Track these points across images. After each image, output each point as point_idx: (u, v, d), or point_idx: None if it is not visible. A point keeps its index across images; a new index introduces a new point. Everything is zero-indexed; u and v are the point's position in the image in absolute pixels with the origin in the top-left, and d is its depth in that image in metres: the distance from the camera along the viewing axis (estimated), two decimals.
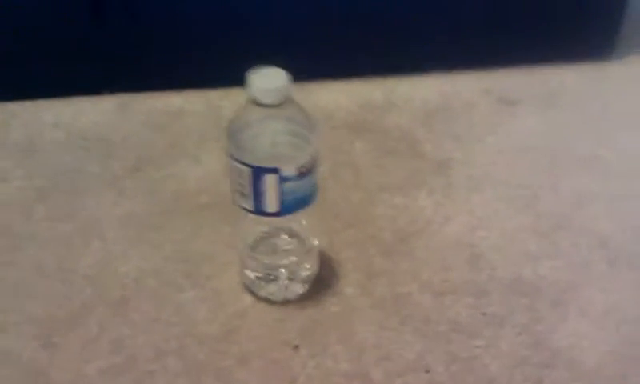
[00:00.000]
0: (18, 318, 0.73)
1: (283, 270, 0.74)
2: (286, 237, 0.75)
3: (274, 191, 0.67)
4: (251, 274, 0.75)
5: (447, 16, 1.01)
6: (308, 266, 0.76)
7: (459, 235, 0.82)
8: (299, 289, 0.75)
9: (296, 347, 0.71)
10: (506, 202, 0.87)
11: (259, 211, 0.69)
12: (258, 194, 0.68)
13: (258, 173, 0.67)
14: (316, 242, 0.76)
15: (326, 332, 0.72)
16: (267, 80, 0.66)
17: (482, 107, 1.01)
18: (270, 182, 0.67)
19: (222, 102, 0.99)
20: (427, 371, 0.69)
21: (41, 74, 0.96)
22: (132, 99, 0.99)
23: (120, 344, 0.70)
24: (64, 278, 0.76)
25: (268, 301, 0.74)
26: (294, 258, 0.75)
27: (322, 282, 0.76)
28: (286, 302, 0.74)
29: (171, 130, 0.95)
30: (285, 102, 0.66)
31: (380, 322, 0.73)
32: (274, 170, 0.66)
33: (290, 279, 0.75)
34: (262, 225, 0.74)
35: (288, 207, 0.69)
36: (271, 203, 0.68)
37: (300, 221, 0.73)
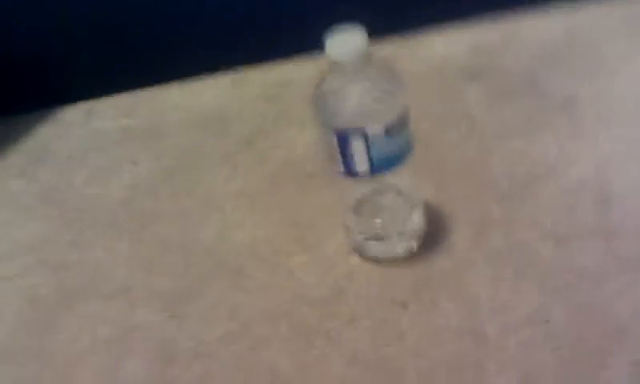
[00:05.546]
0: (146, 293, 0.77)
1: (389, 229, 0.73)
2: (389, 195, 0.73)
3: (362, 152, 0.66)
4: (358, 236, 0.74)
5: None
6: (415, 223, 0.73)
7: (586, 177, 0.76)
8: (407, 246, 0.73)
9: (404, 305, 0.69)
10: (637, 142, 0.79)
11: (350, 173, 0.68)
12: (346, 157, 0.67)
13: (344, 136, 0.66)
14: (422, 197, 0.73)
15: (436, 288, 0.70)
16: (342, 40, 0.64)
17: (612, 41, 0.92)
18: (356, 143, 0.65)
19: None
20: (547, 321, 0.65)
21: (161, 61, 1.00)
22: (247, 74, 1.01)
23: (236, 311, 0.73)
24: (186, 252, 0.80)
25: (376, 261, 0.73)
26: (399, 216, 0.73)
27: (432, 237, 0.74)
28: (394, 261, 0.73)
29: (282, 99, 0.96)
30: (365, 61, 0.65)
31: (494, 275, 0.69)
32: (360, 131, 0.65)
33: (397, 237, 0.73)
34: (364, 186, 0.72)
35: (379, 167, 0.67)
36: (360, 164, 0.67)
37: (403, 177, 0.71)
